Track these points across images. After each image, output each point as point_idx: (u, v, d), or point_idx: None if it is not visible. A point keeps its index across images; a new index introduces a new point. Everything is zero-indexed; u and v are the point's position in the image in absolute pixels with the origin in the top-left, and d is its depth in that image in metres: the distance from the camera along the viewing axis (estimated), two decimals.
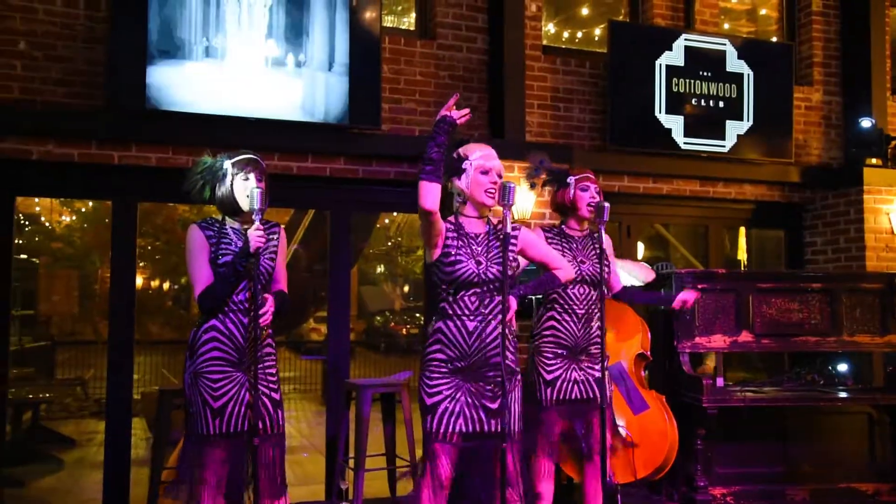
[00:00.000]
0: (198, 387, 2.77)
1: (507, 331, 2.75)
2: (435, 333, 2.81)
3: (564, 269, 3.08)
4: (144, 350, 11.65)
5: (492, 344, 2.74)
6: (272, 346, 2.92)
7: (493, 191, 2.79)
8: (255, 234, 2.70)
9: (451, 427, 2.73)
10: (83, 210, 16.46)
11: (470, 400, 2.74)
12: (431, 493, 2.76)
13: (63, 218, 16.79)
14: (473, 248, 2.80)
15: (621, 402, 4.16)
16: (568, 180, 3.50)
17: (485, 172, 2.81)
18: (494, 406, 2.73)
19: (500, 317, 2.72)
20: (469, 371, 2.74)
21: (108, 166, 4.40)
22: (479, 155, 2.84)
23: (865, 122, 5.69)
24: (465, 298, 2.77)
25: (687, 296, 3.66)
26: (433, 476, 2.74)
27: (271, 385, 2.86)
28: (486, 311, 2.76)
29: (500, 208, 2.69)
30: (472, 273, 2.75)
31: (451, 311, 2.78)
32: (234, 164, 2.84)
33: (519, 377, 2.87)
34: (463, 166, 2.83)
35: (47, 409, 8.98)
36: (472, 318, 2.75)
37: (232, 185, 2.82)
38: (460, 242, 2.80)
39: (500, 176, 2.83)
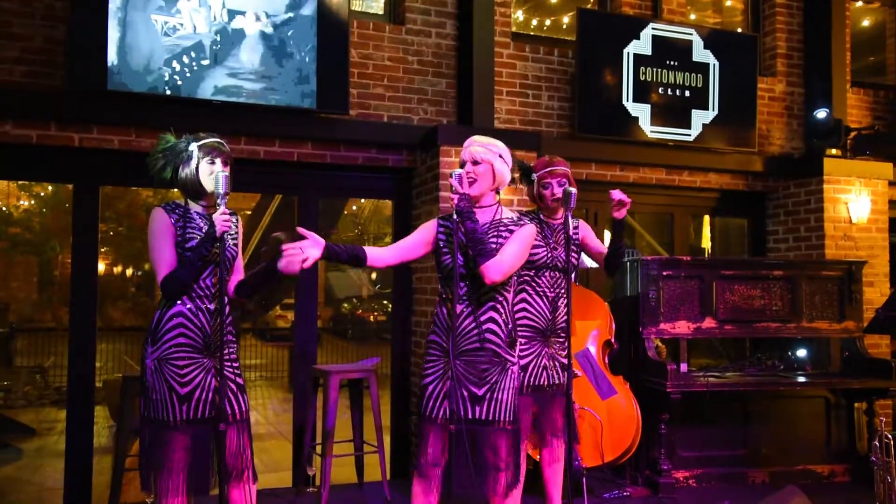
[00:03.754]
0: (163, 373, 2.73)
1: (498, 318, 2.79)
2: (434, 317, 2.90)
3: (493, 271, 2.72)
4: (107, 337, 11.46)
5: (476, 329, 2.76)
6: (232, 334, 2.90)
7: (468, 179, 2.81)
8: (220, 218, 2.68)
9: (436, 410, 2.77)
10: (42, 194, 16.09)
11: (455, 384, 2.75)
12: (419, 472, 2.83)
13: (21, 202, 16.39)
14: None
15: (589, 388, 4.22)
16: (532, 177, 3.53)
17: (461, 165, 2.88)
18: (480, 392, 2.75)
19: (488, 304, 2.78)
20: (456, 354, 2.76)
21: (69, 148, 4.30)
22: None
23: (821, 113, 5.81)
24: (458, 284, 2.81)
25: None
26: (420, 455, 2.81)
27: (235, 370, 2.86)
28: (475, 298, 2.79)
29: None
30: (452, 264, 2.79)
31: (444, 296, 2.87)
32: (200, 148, 2.81)
33: (513, 367, 2.83)
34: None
35: (6, 397, 8.81)
36: (459, 302, 2.80)
37: (197, 168, 2.79)
38: (451, 237, 2.82)
39: (475, 163, 2.84)
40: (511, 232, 2.82)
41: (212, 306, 2.78)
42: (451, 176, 2.75)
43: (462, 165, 2.85)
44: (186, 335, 2.75)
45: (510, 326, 2.84)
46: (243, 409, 2.83)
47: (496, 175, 2.85)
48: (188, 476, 2.75)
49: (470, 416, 2.74)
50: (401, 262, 2.94)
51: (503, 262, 2.72)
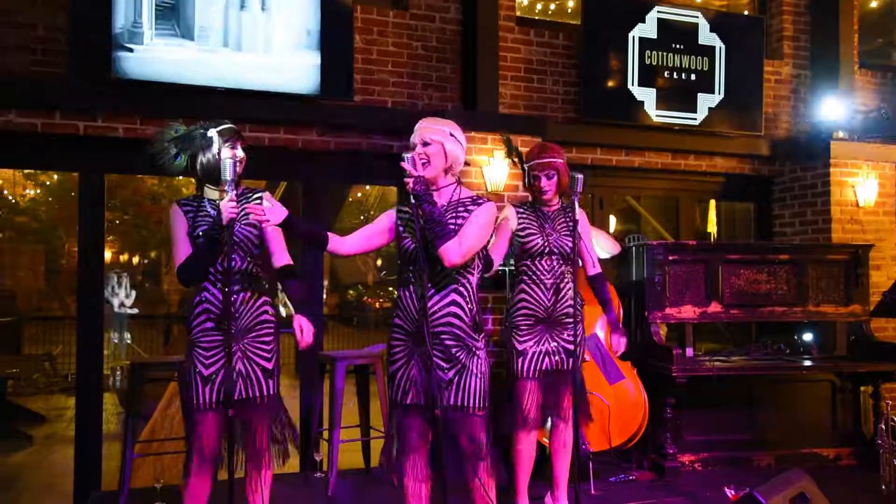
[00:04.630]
0: (192, 356, 2.81)
1: (461, 301, 2.73)
2: (396, 301, 2.86)
3: (451, 252, 2.66)
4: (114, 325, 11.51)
5: (437, 314, 2.73)
6: (269, 315, 2.93)
7: (420, 160, 2.73)
8: (227, 205, 2.68)
9: (405, 396, 2.75)
10: (48, 183, 16.12)
11: (421, 368, 2.74)
12: (402, 464, 2.79)
13: (27, 191, 16.43)
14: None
15: (597, 373, 4.22)
16: (524, 168, 3.53)
17: (412, 149, 2.79)
18: (448, 376, 2.73)
19: (450, 287, 2.73)
20: (419, 337, 2.72)
21: (74, 137, 4.30)
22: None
23: (831, 106, 5.77)
24: (414, 268, 2.76)
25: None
26: (403, 446, 2.78)
27: (263, 354, 2.87)
28: (436, 282, 2.74)
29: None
30: (413, 247, 2.74)
31: (403, 279, 2.82)
32: (220, 133, 2.86)
33: (480, 352, 2.79)
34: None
35: (15, 385, 8.88)
36: (419, 286, 2.73)
37: (219, 153, 2.83)
38: (412, 221, 2.76)
39: (424, 143, 2.76)
40: (470, 212, 2.76)
41: (236, 288, 2.81)
42: (402, 160, 2.66)
43: (412, 148, 2.78)
44: (212, 319, 2.81)
45: (474, 311, 2.78)
46: (265, 393, 2.84)
47: (448, 155, 2.77)
48: (216, 458, 2.80)
49: (438, 402, 2.67)
50: (364, 250, 2.92)
51: (462, 244, 2.66)
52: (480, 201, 2.80)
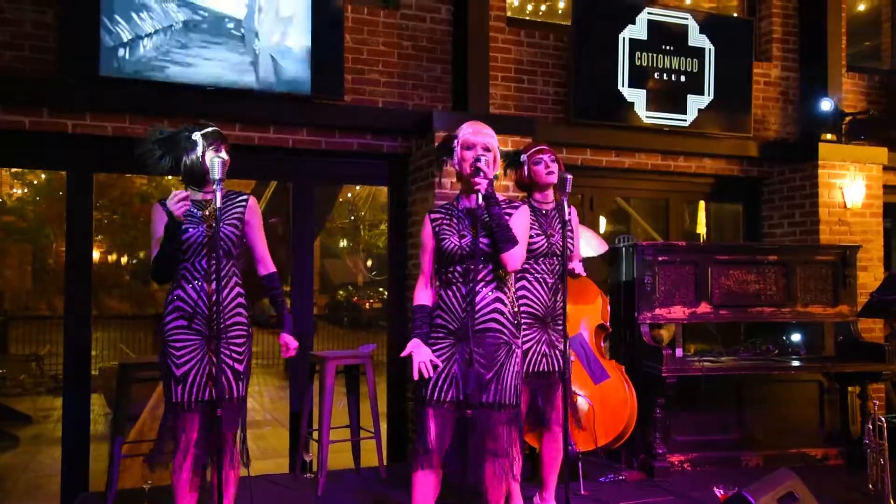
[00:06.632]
0: (165, 354, 2.82)
1: (505, 299, 2.80)
2: (438, 301, 2.89)
3: (516, 259, 2.80)
4: (102, 325, 11.46)
5: (482, 311, 2.77)
6: (243, 317, 2.94)
7: (476, 164, 2.78)
8: (175, 203, 2.70)
9: (442, 394, 2.76)
10: (35, 182, 16.02)
11: (466, 367, 2.74)
12: (422, 461, 2.79)
13: (14, 190, 16.32)
14: (462, 222, 2.85)
15: (582, 372, 4.23)
16: (521, 159, 3.54)
17: (468, 148, 2.85)
18: (488, 376, 2.75)
19: (491, 285, 2.80)
20: (464, 336, 2.75)
21: (62, 135, 4.27)
22: (465, 132, 2.89)
23: (826, 105, 5.80)
24: (458, 267, 2.82)
25: None
26: (426, 442, 2.77)
27: (235, 356, 2.87)
28: (485, 280, 2.80)
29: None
30: (454, 246, 2.80)
31: (445, 279, 2.87)
32: (204, 137, 2.89)
33: (517, 350, 2.85)
34: (452, 145, 2.90)
35: (1, 385, 8.82)
36: (464, 284, 2.80)
37: (203, 155, 2.86)
38: (450, 221, 2.86)
39: (487, 150, 2.84)
40: (509, 216, 2.83)
41: (209, 288, 2.81)
42: (478, 160, 2.74)
43: (467, 148, 2.84)
44: (184, 317, 2.81)
45: (514, 309, 2.86)
46: (234, 395, 2.84)
47: (497, 161, 2.90)
48: (198, 457, 2.80)
49: (476, 401, 2.73)
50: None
51: (523, 249, 2.81)
52: (516, 204, 2.91)
